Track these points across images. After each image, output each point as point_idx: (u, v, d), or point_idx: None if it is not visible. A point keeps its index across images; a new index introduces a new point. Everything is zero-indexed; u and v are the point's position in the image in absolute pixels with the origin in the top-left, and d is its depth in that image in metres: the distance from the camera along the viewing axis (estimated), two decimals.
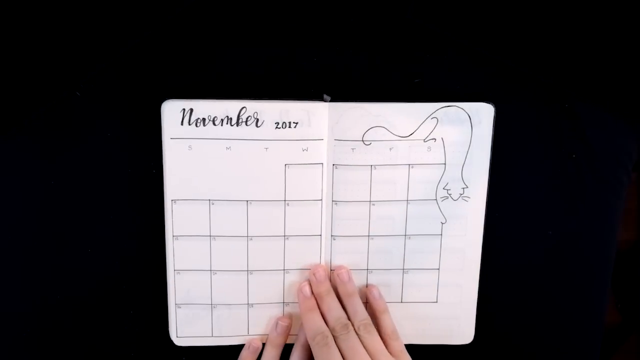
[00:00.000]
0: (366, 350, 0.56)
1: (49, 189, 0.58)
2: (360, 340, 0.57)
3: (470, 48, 0.58)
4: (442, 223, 0.61)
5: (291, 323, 0.62)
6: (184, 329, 0.62)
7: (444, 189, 0.60)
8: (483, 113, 0.59)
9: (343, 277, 0.60)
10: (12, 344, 0.61)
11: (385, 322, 0.60)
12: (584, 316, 0.65)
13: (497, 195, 0.61)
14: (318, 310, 0.59)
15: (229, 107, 0.57)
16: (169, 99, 0.56)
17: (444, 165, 0.60)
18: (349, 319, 0.58)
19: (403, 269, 0.62)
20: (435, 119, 0.59)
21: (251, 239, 0.60)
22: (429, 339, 0.65)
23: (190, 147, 0.57)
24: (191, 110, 0.56)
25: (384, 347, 0.58)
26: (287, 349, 0.62)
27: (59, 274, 0.60)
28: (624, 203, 0.64)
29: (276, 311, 0.62)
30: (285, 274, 0.61)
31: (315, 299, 0.60)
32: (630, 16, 0.58)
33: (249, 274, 0.61)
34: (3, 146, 0.57)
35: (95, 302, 0.61)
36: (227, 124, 0.57)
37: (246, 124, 0.57)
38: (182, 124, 0.57)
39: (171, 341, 0.62)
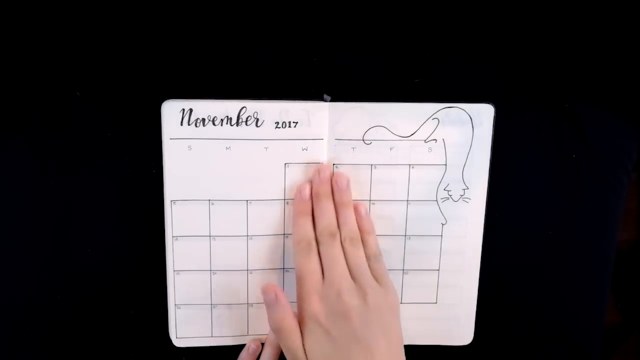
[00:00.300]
0: (347, 264, 0.55)
1: (49, 189, 0.58)
2: (344, 253, 0.56)
3: (470, 48, 0.58)
4: (443, 224, 0.61)
5: None
6: (184, 329, 0.62)
7: (444, 189, 0.60)
8: (484, 114, 0.59)
9: (341, 184, 0.58)
10: (12, 344, 0.61)
11: (369, 242, 0.58)
12: (584, 316, 0.65)
13: (497, 195, 0.61)
14: (310, 217, 0.58)
15: (229, 107, 0.57)
16: (168, 99, 0.56)
17: (444, 166, 0.60)
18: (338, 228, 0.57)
19: (403, 270, 0.62)
20: (437, 120, 0.59)
21: (251, 239, 0.60)
22: (428, 340, 0.64)
23: (190, 147, 0.57)
24: (191, 110, 0.56)
25: (366, 265, 0.56)
26: None
27: (59, 274, 0.60)
28: (624, 203, 0.64)
29: None
30: (285, 273, 0.61)
31: (312, 201, 0.58)
32: (630, 16, 0.58)
33: (248, 273, 0.61)
34: (3, 146, 0.57)
35: (95, 302, 0.61)
36: (227, 124, 0.57)
37: (246, 124, 0.57)
38: (181, 124, 0.57)
39: (171, 341, 0.62)
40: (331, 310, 0.53)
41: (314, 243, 0.56)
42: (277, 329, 0.54)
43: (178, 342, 0.62)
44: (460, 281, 0.63)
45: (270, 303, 0.54)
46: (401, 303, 0.63)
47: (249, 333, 0.62)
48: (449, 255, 0.62)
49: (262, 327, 0.62)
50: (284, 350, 0.55)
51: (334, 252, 0.55)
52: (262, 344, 0.62)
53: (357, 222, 0.58)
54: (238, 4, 0.57)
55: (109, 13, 0.55)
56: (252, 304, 0.62)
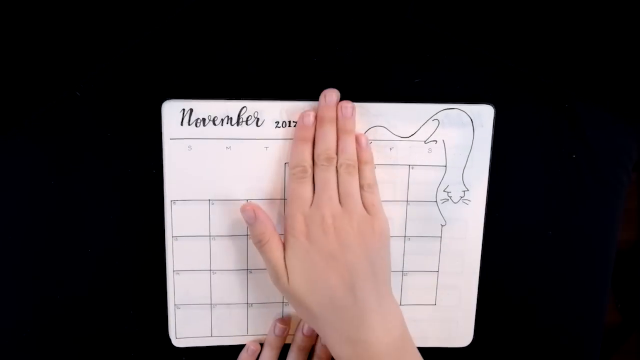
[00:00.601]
0: (339, 192, 0.55)
1: (49, 189, 0.58)
2: (338, 179, 0.56)
3: (470, 48, 0.58)
4: (442, 225, 0.61)
5: (289, 325, 0.62)
6: (183, 329, 0.62)
7: (444, 191, 0.60)
8: (485, 116, 0.59)
9: (346, 112, 0.56)
10: (12, 344, 0.61)
11: (365, 172, 0.57)
12: (584, 316, 0.65)
13: (496, 195, 0.61)
14: (311, 144, 0.57)
15: (229, 106, 0.57)
16: (169, 99, 0.56)
17: (444, 167, 0.60)
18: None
19: (402, 271, 0.62)
20: (437, 121, 0.59)
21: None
22: (427, 342, 0.64)
23: (190, 147, 0.57)
24: (191, 110, 0.57)
25: (358, 193, 0.56)
26: (284, 350, 0.62)
27: (59, 274, 0.60)
28: (624, 203, 0.64)
29: (276, 310, 0.62)
30: None
31: (314, 129, 0.57)
32: (630, 16, 0.58)
33: (248, 273, 0.61)
34: (3, 146, 0.57)
35: (95, 302, 0.61)
36: (227, 123, 0.57)
37: (246, 124, 0.57)
38: (182, 124, 0.57)
39: (171, 341, 0.62)
40: (313, 229, 0.54)
41: (310, 170, 0.56)
42: (258, 242, 0.56)
43: (178, 342, 0.62)
44: (460, 283, 0.63)
45: (250, 221, 0.56)
46: (400, 305, 0.63)
47: (249, 333, 0.62)
48: (448, 257, 0.62)
49: (262, 327, 0.62)
50: (265, 264, 0.56)
51: (327, 177, 0.55)
52: (262, 345, 0.62)
53: (357, 152, 0.57)
54: (238, 4, 0.57)
55: (109, 13, 0.55)
56: (252, 304, 0.62)
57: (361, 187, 0.56)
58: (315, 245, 0.54)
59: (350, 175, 0.56)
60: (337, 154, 0.56)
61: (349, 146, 0.56)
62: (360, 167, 0.57)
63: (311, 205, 0.55)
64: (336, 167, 0.56)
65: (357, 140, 0.57)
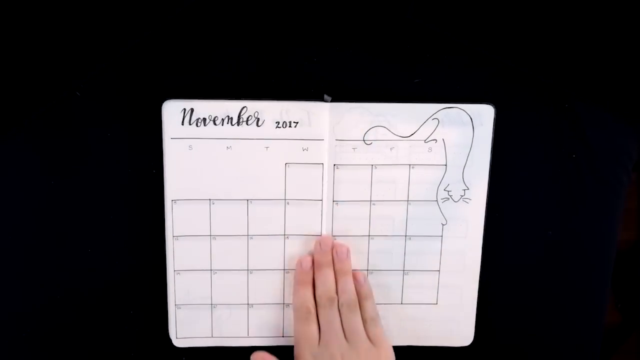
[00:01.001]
0: (343, 329, 0.57)
1: (49, 189, 0.58)
2: (341, 318, 0.57)
3: (470, 48, 0.58)
4: (443, 224, 0.61)
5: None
6: (184, 329, 0.62)
7: (444, 190, 0.60)
8: (484, 115, 0.59)
9: (341, 255, 0.60)
10: (12, 344, 0.61)
11: (367, 307, 0.60)
12: (584, 316, 0.65)
13: (497, 195, 0.61)
14: (311, 286, 0.60)
15: (230, 106, 0.57)
16: (169, 99, 0.56)
17: (444, 166, 0.60)
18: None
19: (403, 270, 0.62)
20: (437, 120, 0.59)
21: (251, 238, 0.60)
22: (428, 341, 0.64)
23: (190, 147, 0.57)
24: (192, 110, 0.57)
25: (362, 329, 0.58)
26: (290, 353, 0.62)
27: (59, 274, 0.60)
28: (624, 203, 0.64)
29: (276, 311, 0.62)
30: (286, 274, 0.61)
31: (313, 271, 0.60)
32: (630, 16, 0.58)
33: (249, 273, 0.61)
34: (3, 146, 0.57)
35: (95, 302, 0.61)
36: (227, 123, 0.57)
37: (247, 124, 0.57)
38: (182, 123, 0.57)
39: (171, 341, 0.62)
40: None
41: (313, 310, 0.58)
42: None
43: (178, 342, 0.62)
44: (461, 282, 0.63)
45: None
46: (401, 304, 0.63)
47: (249, 334, 0.62)
48: (449, 256, 0.62)
49: (262, 328, 0.62)
50: None
51: (331, 316, 0.58)
52: (259, 347, 0.62)
53: (356, 289, 0.60)
54: (238, 4, 0.57)
55: (109, 13, 0.55)
56: (252, 304, 0.62)
57: (364, 321, 0.59)
58: None
59: (352, 313, 0.58)
60: (337, 293, 0.59)
61: (348, 285, 0.59)
62: (361, 303, 0.60)
63: (319, 343, 0.57)
64: (338, 306, 0.58)
65: (355, 277, 0.61)
